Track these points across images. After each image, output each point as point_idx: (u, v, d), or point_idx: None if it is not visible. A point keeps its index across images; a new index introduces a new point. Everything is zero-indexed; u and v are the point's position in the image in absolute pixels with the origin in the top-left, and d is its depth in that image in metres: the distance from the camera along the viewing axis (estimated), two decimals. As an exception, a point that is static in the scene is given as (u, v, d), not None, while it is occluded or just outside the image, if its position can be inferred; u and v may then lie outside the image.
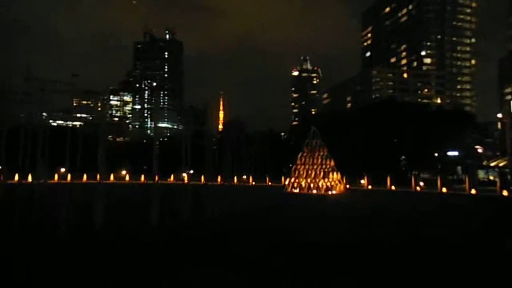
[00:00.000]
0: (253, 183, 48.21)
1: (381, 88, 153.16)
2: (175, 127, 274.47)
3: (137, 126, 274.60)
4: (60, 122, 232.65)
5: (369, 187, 43.47)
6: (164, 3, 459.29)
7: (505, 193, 39.26)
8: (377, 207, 22.39)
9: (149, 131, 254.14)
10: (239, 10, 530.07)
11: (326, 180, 30.42)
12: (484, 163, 70.19)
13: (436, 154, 67.89)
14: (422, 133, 64.80)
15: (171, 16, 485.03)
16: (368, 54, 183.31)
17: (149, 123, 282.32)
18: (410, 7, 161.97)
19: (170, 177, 54.10)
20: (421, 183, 50.58)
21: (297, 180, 31.14)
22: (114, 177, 54.82)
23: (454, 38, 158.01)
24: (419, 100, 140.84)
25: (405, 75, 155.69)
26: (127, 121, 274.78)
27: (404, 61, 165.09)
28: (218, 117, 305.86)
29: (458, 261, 8.98)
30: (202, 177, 52.72)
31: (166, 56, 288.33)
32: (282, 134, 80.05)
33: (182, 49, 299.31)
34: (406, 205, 24.59)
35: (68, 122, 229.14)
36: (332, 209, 21.36)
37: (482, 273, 7.99)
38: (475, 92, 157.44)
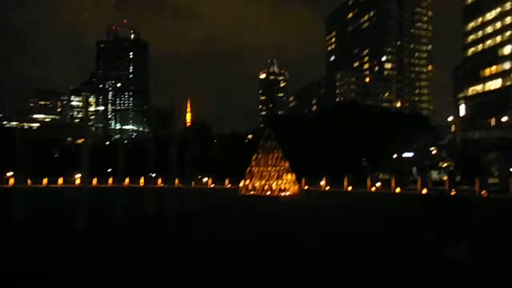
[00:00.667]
0: (212, 185, 48.30)
1: (344, 91, 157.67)
2: (140, 129, 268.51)
3: (99, 128, 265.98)
4: (14, 123, 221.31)
5: (327, 188, 44.64)
6: (130, 3, 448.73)
7: (453, 192, 41.69)
8: (318, 208, 23.17)
9: (113, 133, 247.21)
10: (208, 13, 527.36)
11: (279, 181, 30.95)
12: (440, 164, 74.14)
13: (394, 156, 70.87)
14: (380, 135, 67.45)
15: (137, 17, 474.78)
16: (332, 58, 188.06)
17: (113, 124, 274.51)
18: (371, 13, 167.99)
19: (128, 180, 52.88)
20: (378, 184, 52.52)
21: (251, 182, 31.44)
22: (64, 181, 52.87)
23: (412, 45, 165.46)
24: (381, 103, 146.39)
25: (367, 79, 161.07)
26: (90, 123, 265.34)
27: (366, 66, 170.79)
28: (185, 120, 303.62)
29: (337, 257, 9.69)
30: (159, 180, 52.20)
31: (131, 56, 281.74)
32: (250, 136, 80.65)
33: (148, 49, 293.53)
34: (346, 204, 25.46)
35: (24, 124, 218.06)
36: (275, 210, 21.84)
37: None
38: (432, 97, 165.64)
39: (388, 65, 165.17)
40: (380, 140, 67.27)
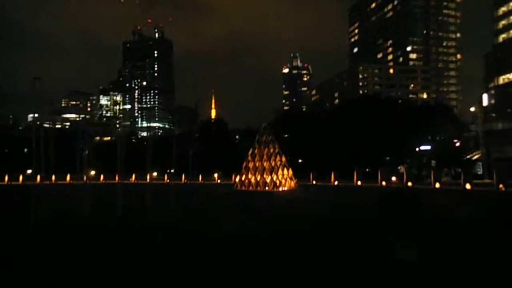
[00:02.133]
0: (218, 181, 48.30)
1: (368, 84, 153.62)
2: (166, 126, 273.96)
3: (127, 126, 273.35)
4: (49, 123, 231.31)
5: (336, 183, 43.52)
6: (153, 1, 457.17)
7: (468, 186, 39.54)
8: (304, 204, 22.48)
9: (140, 131, 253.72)
10: (229, 8, 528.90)
11: (275, 176, 30.28)
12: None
13: (417, 149, 68.35)
14: (400, 127, 65.18)
15: (160, 15, 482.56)
16: (355, 50, 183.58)
17: (139, 122, 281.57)
18: (395, 2, 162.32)
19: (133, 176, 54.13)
20: (393, 178, 50.69)
21: (247, 177, 30.98)
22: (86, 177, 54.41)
23: (439, 33, 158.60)
24: (406, 95, 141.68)
25: (391, 71, 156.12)
26: (118, 121, 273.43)
27: (390, 57, 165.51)
28: (210, 115, 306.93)
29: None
30: (166, 177, 52.77)
31: (155, 54, 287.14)
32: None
33: (172, 48, 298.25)
34: (337, 201, 24.44)
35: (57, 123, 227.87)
36: (260, 206, 21.27)
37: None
38: (461, 87, 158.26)
39: (413, 55, 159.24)
40: (399, 133, 65.09)
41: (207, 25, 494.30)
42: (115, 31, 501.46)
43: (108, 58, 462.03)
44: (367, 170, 57.78)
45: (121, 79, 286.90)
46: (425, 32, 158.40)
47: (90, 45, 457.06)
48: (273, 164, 30.39)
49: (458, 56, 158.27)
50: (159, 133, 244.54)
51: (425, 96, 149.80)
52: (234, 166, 52.64)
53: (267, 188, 29.71)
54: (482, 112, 60.30)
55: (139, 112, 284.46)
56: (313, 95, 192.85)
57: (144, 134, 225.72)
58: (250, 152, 31.56)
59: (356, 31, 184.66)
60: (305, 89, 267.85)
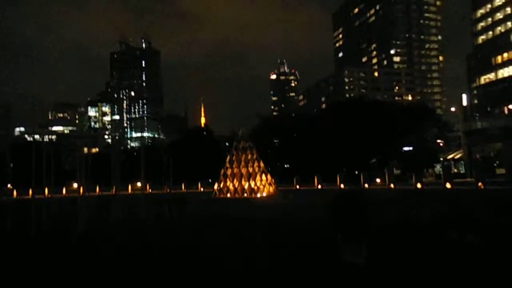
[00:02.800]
0: (201, 189, 48.64)
1: (354, 88, 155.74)
2: (156, 136, 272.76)
3: (116, 137, 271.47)
4: (36, 136, 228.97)
5: (319, 186, 44.21)
6: (139, 11, 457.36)
7: (448, 185, 40.53)
8: (271, 208, 22.94)
9: (129, 141, 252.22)
10: (216, 17, 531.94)
11: (253, 182, 30.72)
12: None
13: (403, 150, 69.61)
14: (382, 129, 66.41)
15: (147, 25, 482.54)
16: (340, 54, 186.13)
17: (129, 133, 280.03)
18: (378, 7, 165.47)
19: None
20: (378, 180, 51.57)
21: (225, 184, 31.36)
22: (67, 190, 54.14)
23: (421, 36, 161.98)
24: (391, 98, 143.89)
25: (376, 74, 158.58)
26: (107, 132, 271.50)
27: (374, 60, 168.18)
28: (200, 123, 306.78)
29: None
30: (147, 187, 52.89)
31: (143, 65, 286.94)
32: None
33: (159, 57, 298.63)
34: (317, 205, 24.88)
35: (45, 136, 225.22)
36: (226, 214, 21.49)
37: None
38: (445, 88, 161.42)
39: (397, 58, 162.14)
40: (383, 135, 66.30)
41: (195, 34, 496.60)
42: (102, 42, 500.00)
43: (95, 69, 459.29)
44: (356, 172, 58.74)
45: (109, 90, 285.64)
46: (407, 35, 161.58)
47: (77, 56, 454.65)
48: (250, 170, 30.83)
49: (440, 58, 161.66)
50: (149, 143, 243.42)
51: (410, 98, 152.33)
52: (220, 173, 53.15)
53: (245, 194, 30.11)
54: (462, 112, 61.83)
55: (128, 122, 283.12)
56: (300, 100, 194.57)
57: (134, 144, 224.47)
58: (228, 159, 31.98)
59: (340, 36, 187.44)
60: (293, 94, 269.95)
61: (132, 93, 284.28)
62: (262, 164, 31.99)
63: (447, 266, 9.11)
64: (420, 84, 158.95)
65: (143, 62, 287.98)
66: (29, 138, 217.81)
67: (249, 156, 31.26)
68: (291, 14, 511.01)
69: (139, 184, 57.28)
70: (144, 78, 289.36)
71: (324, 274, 8.44)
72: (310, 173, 52.34)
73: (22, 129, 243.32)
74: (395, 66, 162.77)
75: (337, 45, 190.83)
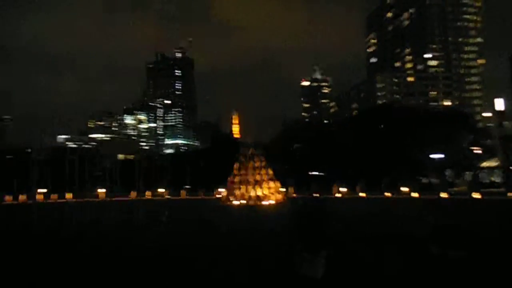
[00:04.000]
0: (219, 195, 48.83)
1: (386, 93, 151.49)
2: (190, 143, 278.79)
3: (152, 144, 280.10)
4: (79, 143, 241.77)
5: (337, 194, 43.12)
6: (174, 21, 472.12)
7: (476, 195, 38.15)
8: (268, 216, 22.60)
9: (164, 148, 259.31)
10: (248, 24, 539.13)
11: (259, 190, 30.31)
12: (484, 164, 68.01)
13: (431, 157, 66.51)
14: (411, 136, 63.86)
15: (181, 34, 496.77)
16: (372, 60, 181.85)
17: (164, 140, 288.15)
18: (412, 10, 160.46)
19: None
20: (404, 189, 49.41)
21: (232, 191, 31.16)
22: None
23: (459, 39, 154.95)
24: (427, 103, 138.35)
25: (409, 79, 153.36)
26: (142, 139, 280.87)
27: (409, 65, 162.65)
28: (231, 130, 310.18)
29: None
30: (164, 192, 53.79)
31: (177, 73, 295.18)
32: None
33: (193, 66, 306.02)
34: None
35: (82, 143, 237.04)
36: (220, 220, 21.48)
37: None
38: (486, 92, 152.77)
39: (433, 62, 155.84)
40: (411, 142, 63.70)
41: (228, 42, 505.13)
42: (139, 52, 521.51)
43: (132, 78, 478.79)
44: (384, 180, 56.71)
45: (145, 98, 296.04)
46: (444, 38, 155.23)
47: (116, 66, 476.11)
48: (258, 177, 30.53)
49: (480, 61, 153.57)
50: (183, 150, 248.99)
51: (446, 103, 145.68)
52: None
53: (251, 202, 29.82)
54: (496, 117, 58.13)
55: (163, 129, 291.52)
56: (332, 107, 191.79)
57: (169, 151, 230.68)
58: (235, 166, 31.85)
59: (373, 41, 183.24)
60: (325, 101, 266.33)
61: (167, 101, 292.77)
62: (270, 172, 31.67)
63: (406, 281, 8.49)
64: (458, 88, 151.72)
65: (178, 71, 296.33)
66: (71, 145, 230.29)
67: (257, 164, 31.03)
68: (324, 19, 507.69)
69: (161, 190, 58.79)
70: (178, 87, 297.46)
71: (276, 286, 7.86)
72: (333, 181, 51.24)
73: (65, 136, 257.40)
74: (431, 70, 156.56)
75: (369, 50, 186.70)
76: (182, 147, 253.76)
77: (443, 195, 39.60)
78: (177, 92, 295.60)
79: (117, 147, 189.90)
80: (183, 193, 49.51)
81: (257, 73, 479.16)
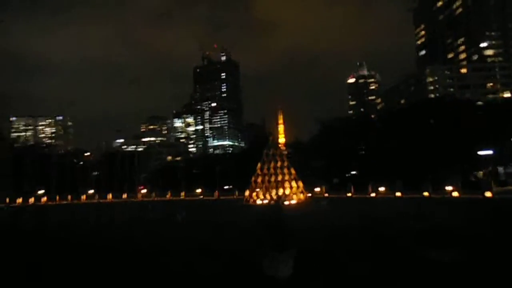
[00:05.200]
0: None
1: (438, 87, 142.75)
2: (236, 144, 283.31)
3: (200, 146, 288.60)
4: (133, 147, 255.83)
5: (372, 194, 41.53)
6: (219, 25, 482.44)
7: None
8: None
9: (211, 150, 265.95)
10: (292, 24, 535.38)
11: (281, 190, 29.93)
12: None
13: (481, 153, 61.73)
14: (460, 131, 59.74)
15: (226, 37, 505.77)
16: (422, 52, 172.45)
17: (211, 141, 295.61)
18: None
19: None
20: (450, 188, 46.43)
21: (255, 191, 31.07)
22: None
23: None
24: (483, 96, 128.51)
25: (463, 70, 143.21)
26: (191, 142, 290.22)
27: (462, 56, 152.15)
28: (278, 131, 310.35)
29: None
30: (199, 192, 55.13)
31: (223, 77, 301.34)
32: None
33: (238, 69, 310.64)
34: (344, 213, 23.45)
35: (137, 146, 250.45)
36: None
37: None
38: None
39: (489, 52, 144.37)
40: (461, 138, 59.52)
41: (272, 43, 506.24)
42: (186, 56, 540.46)
43: (181, 82, 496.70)
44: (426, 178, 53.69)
45: (192, 102, 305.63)
46: (502, 25, 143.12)
47: (165, 71, 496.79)
48: (280, 178, 30.22)
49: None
50: (230, 151, 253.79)
51: (507, 95, 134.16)
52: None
53: (273, 202, 29.61)
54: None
55: (210, 132, 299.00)
56: (379, 103, 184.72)
57: (216, 151, 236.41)
58: (258, 166, 31.76)
59: (423, 32, 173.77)
60: (373, 97, 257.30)
61: (214, 104, 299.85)
62: (293, 171, 31.30)
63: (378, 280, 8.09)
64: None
65: (224, 74, 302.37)
66: (126, 148, 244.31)
67: (279, 164, 30.83)
68: (369, 14, 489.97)
69: (199, 190, 60.49)
70: (224, 89, 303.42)
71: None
72: (374, 180, 49.47)
73: (121, 140, 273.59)
74: (488, 60, 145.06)
75: (418, 42, 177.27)
76: (228, 148, 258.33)
77: (488, 194, 36.66)
78: (223, 95, 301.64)
79: (166, 149, 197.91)
80: (216, 194, 50.50)
81: (303, 72, 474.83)
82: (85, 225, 20.11)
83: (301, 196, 31.12)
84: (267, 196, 30.31)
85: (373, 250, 10.80)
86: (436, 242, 10.86)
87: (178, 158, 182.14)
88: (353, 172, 70.28)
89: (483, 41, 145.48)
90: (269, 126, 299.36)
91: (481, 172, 58.03)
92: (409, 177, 50.57)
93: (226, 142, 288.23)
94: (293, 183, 30.80)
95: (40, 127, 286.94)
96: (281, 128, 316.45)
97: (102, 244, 12.97)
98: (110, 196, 55.99)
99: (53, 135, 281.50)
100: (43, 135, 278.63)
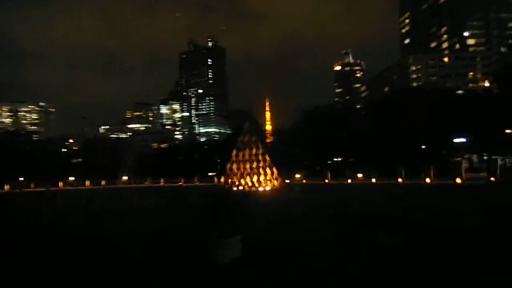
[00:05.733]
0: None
1: (422, 75, 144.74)
2: (222, 131, 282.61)
3: (186, 133, 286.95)
4: (118, 133, 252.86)
5: (349, 181, 42.73)
6: (206, 10, 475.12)
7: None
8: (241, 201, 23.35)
9: (198, 137, 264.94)
10: (278, 12, 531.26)
11: (255, 177, 30.63)
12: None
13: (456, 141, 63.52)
14: (436, 120, 61.22)
15: (213, 24, 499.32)
16: (407, 41, 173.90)
17: (197, 129, 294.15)
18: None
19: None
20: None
21: (229, 178, 31.69)
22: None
23: (501, 14, 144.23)
24: (465, 85, 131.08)
25: (445, 59, 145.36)
26: (177, 128, 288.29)
27: (445, 45, 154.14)
28: (265, 118, 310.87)
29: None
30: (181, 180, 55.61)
31: (209, 63, 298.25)
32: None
33: (225, 55, 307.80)
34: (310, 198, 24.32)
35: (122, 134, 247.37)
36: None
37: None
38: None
39: (471, 41, 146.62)
40: (436, 126, 61.06)
41: (260, 30, 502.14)
42: (172, 41, 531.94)
43: (167, 68, 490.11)
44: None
45: (178, 88, 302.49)
46: (484, 14, 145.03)
47: (150, 57, 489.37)
48: (254, 165, 30.85)
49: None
50: (216, 138, 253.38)
51: (487, 84, 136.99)
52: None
53: (247, 188, 30.29)
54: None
55: (197, 118, 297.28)
56: (363, 91, 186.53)
57: (202, 139, 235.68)
58: (234, 153, 32.30)
59: (407, 21, 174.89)
60: (358, 85, 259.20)
61: (200, 91, 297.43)
62: (268, 158, 31.93)
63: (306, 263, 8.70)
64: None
65: (210, 60, 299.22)
66: (112, 135, 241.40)
67: (254, 151, 31.40)
68: (357, 2, 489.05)
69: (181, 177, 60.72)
70: (211, 76, 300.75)
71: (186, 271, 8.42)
72: (352, 167, 50.63)
73: (106, 127, 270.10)
74: (470, 50, 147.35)
75: (403, 31, 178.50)
76: (215, 135, 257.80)
77: (458, 180, 38.16)
78: (209, 81, 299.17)
79: (152, 136, 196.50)
80: (196, 179, 51.19)
81: (291, 60, 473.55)
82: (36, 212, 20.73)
83: (275, 182, 31.86)
84: (242, 182, 30.96)
85: (319, 236, 11.41)
86: (382, 226, 11.58)
87: (164, 145, 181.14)
88: (336, 159, 71.63)
89: (465, 31, 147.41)
90: (256, 113, 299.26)
91: (464, 160, 59.83)
92: (386, 164, 51.90)
93: (213, 129, 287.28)
94: (268, 170, 31.47)
95: (22, 113, 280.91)
96: (267, 115, 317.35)
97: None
98: (87, 183, 55.96)
99: (36, 121, 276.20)
100: (25, 121, 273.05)
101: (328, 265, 7.93)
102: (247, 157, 31.25)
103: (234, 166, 31.72)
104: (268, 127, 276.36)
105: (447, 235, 10.65)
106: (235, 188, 31.03)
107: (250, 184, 30.59)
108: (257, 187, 30.33)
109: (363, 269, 7.61)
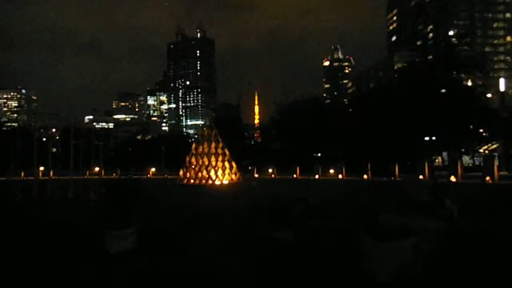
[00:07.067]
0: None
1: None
2: (208, 123, 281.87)
3: (173, 125, 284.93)
4: (103, 124, 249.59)
5: (316, 176, 42.84)
6: (195, 1, 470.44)
7: (453, 179, 37.05)
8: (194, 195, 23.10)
9: (184, 129, 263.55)
10: (270, 5, 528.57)
11: (212, 170, 30.50)
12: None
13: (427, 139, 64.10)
14: (410, 117, 61.60)
15: (202, 14, 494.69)
16: (394, 38, 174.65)
17: (184, 121, 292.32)
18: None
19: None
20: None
21: (189, 171, 31.51)
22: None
23: (487, 15, 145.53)
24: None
25: (430, 57, 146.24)
26: (164, 120, 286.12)
27: (430, 43, 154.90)
28: (254, 111, 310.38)
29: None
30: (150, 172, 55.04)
31: (198, 54, 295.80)
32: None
33: (214, 46, 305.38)
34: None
35: (110, 124, 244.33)
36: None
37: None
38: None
39: (456, 40, 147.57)
40: (407, 124, 61.50)
41: (250, 22, 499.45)
42: (160, 32, 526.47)
43: (155, 58, 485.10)
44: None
45: (166, 79, 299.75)
46: (469, 14, 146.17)
47: (138, 47, 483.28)
48: (213, 158, 30.68)
49: (508, 38, 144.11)
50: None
51: (469, 83, 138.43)
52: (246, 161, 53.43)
53: (204, 181, 30.14)
54: (500, 98, 54.84)
55: (184, 110, 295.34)
56: (349, 88, 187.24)
57: (189, 131, 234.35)
58: (193, 146, 32.09)
59: (395, 18, 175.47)
60: (346, 81, 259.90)
61: (188, 82, 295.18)
62: (227, 152, 31.78)
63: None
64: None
65: (198, 51, 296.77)
66: (97, 125, 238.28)
67: (213, 145, 31.21)
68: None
69: (153, 170, 60.27)
70: (199, 67, 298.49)
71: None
72: (328, 163, 50.71)
73: (91, 117, 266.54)
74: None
75: (390, 28, 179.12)
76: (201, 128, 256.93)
77: (421, 177, 38.40)
78: (197, 73, 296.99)
79: (136, 127, 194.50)
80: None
81: (280, 54, 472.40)
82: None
83: (234, 177, 31.75)
84: (199, 176, 30.76)
85: (224, 230, 11.30)
86: (282, 221, 11.37)
87: (148, 137, 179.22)
88: (315, 155, 71.82)
89: (450, 29, 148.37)
90: (244, 107, 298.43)
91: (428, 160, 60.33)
92: (357, 161, 52.11)
93: (200, 122, 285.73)
94: (227, 164, 31.33)
95: (2, 101, 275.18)
96: (256, 109, 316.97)
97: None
98: (51, 173, 54.89)
99: (17, 109, 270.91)
100: (6, 109, 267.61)
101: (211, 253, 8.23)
102: (206, 150, 31.02)
103: (193, 159, 31.48)
104: (257, 121, 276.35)
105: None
106: (192, 181, 30.83)
107: (207, 177, 30.42)
108: (213, 181, 30.16)
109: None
